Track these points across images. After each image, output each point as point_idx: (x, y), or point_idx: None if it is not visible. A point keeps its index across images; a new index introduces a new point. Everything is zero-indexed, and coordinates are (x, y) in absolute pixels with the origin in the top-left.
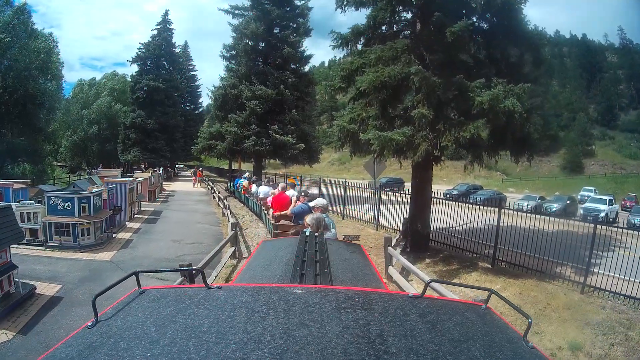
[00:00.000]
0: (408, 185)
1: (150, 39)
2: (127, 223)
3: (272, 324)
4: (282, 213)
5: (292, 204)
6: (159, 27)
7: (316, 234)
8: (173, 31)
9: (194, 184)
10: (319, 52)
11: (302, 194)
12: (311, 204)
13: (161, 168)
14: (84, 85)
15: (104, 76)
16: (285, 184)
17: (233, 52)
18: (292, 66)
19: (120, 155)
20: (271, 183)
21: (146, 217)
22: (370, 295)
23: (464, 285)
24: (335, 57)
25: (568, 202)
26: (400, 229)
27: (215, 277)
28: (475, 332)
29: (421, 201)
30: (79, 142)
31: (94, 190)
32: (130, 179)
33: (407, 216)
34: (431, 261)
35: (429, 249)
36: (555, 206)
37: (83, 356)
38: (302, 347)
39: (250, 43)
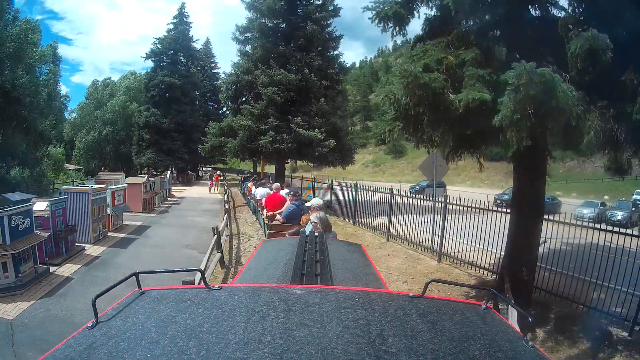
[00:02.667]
0: (451, 189)
1: (165, 33)
2: (87, 247)
3: (272, 324)
4: (275, 212)
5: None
6: (175, 20)
7: (316, 233)
8: (191, 24)
9: (210, 189)
10: (349, 54)
11: (291, 192)
12: (308, 204)
13: (169, 171)
14: (98, 85)
15: (122, 76)
16: (279, 184)
17: (248, 34)
18: (319, 48)
19: (134, 157)
20: (268, 184)
21: (122, 236)
22: (371, 295)
23: (464, 285)
24: (366, 57)
25: (633, 209)
26: (483, 265)
27: None
28: (476, 331)
29: (528, 225)
30: (93, 143)
31: (11, 207)
32: (96, 186)
33: (504, 252)
34: (544, 333)
35: (531, 303)
36: (619, 214)
37: (83, 357)
38: (302, 347)
39: (267, 23)
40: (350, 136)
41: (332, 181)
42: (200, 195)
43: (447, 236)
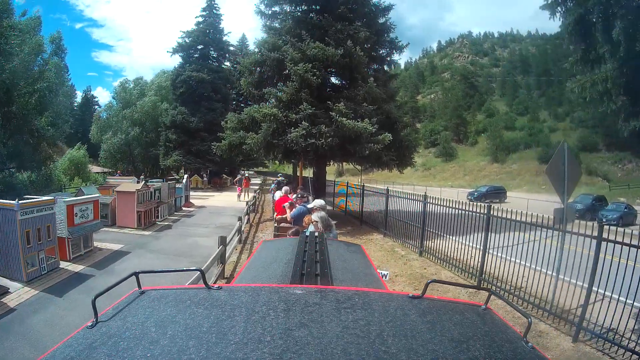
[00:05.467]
0: (511, 195)
1: (194, 27)
2: (12, 289)
3: (272, 324)
4: (284, 216)
5: (288, 209)
6: (204, 13)
7: (316, 233)
8: (221, 16)
9: (239, 196)
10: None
11: (299, 195)
12: (309, 205)
13: (185, 175)
14: (128, 84)
15: (155, 75)
16: (288, 188)
17: (276, 8)
18: (364, 20)
19: (161, 159)
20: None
21: (78, 270)
22: (370, 295)
23: (464, 285)
24: (411, 58)
25: None
26: None
27: None
28: (475, 332)
29: None
30: (121, 145)
31: None
32: (35, 199)
33: None
34: None
35: None
36: None
37: (83, 356)
38: (302, 348)
39: None
40: (408, 128)
41: (387, 189)
42: (226, 203)
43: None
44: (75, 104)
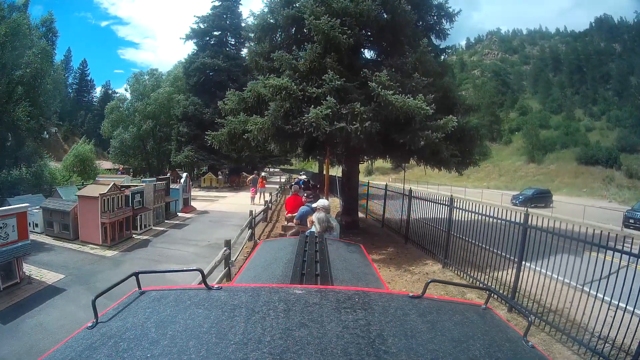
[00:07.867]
0: (557, 199)
1: (210, 11)
2: None
3: (272, 324)
4: (293, 215)
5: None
6: None
7: (316, 234)
8: (239, 0)
9: (252, 199)
10: None
11: (305, 195)
12: (313, 205)
13: (185, 174)
14: (142, 75)
15: (173, 67)
16: (298, 187)
17: None
18: None
19: (173, 155)
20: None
21: None
22: (370, 295)
23: (464, 285)
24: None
25: None
26: None
27: None
28: (475, 331)
29: None
30: (132, 140)
31: None
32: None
33: None
34: None
35: None
36: None
37: (83, 357)
38: (302, 347)
39: None
40: (471, 113)
41: (451, 199)
42: (236, 207)
43: None
44: (95, 100)
